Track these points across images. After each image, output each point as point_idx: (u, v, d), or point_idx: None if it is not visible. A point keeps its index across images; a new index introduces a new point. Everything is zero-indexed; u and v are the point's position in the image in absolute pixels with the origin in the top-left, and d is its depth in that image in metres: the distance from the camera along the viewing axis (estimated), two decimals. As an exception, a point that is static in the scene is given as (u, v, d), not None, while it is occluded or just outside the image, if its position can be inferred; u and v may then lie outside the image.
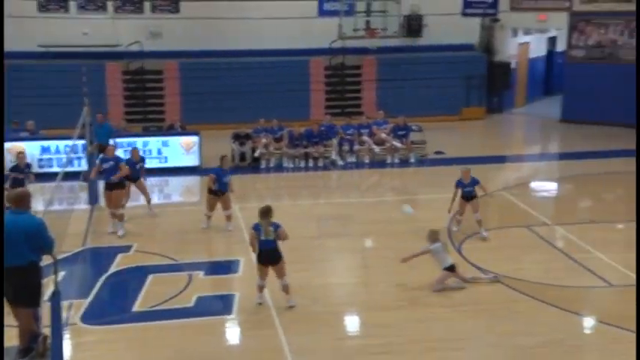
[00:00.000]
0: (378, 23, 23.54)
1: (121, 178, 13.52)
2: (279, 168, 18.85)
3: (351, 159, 19.32)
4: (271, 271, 10.22)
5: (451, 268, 10.92)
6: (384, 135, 19.42)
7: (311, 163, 18.92)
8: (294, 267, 11.61)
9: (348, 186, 18.03)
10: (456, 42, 24.84)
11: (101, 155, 14.26)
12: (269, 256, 10.11)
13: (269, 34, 23.73)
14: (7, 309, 7.07)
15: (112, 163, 13.60)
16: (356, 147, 19.44)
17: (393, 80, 24.05)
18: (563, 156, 20.46)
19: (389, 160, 19.22)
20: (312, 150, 19.02)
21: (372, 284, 11.32)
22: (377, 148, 19.31)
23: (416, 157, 19.37)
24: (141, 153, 15.55)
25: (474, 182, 13.12)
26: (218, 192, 13.48)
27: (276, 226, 10.02)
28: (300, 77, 23.91)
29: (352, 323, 10.25)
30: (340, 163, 19.17)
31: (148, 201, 14.68)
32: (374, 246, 13.27)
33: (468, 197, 13.11)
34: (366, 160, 19.32)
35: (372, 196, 16.92)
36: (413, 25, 24.51)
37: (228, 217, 13.60)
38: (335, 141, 19.35)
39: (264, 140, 18.90)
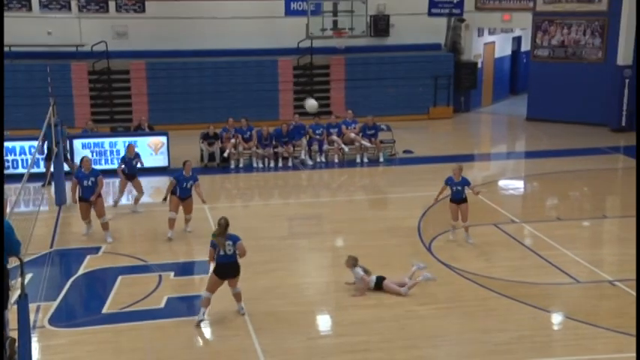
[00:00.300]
0: (345, 23, 23.60)
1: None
2: (248, 168, 18.77)
3: (321, 159, 19.33)
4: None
5: (379, 285, 10.77)
6: (353, 134, 19.46)
7: (280, 163, 18.89)
8: (265, 267, 11.63)
9: (318, 185, 18.04)
10: (423, 42, 25.04)
11: (77, 170, 13.64)
12: (229, 269, 9.78)
13: (236, 34, 23.65)
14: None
15: (92, 179, 12.94)
16: (325, 147, 19.45)
17: (361, 80, 24.12)
18: (530, 154, 20.74)
19: (358, 160, 19.26)
20: (282, 150, 18.98)
21: (343, 283, 11.33)
22: (346, 148, 19.34)
23: (385, 157, 19.45)
24: (137, 149, 15.34)
25: (464, 182, 12.61)
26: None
27: (235, 240, 9.73)
28: (269, 77, 23.84)
29: (325, 322, 10.25)
30: (310, 162, 19.16)
31: (137, 199, 14.80)
32: (345, 245, 13.28)
33: (458, 200, 12.58)
34: (336, 160, 19.35)
35: (343, 195, 16.95)
36: (380, 24, 24.65)
37: (187, 220, 13.41)
38: (304, 141, 19.34)
39: (233, 140, 18.81)
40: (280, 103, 23.92)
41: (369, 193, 17.45)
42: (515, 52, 28.80)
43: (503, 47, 27.82)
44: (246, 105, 22.26)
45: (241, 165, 18.88)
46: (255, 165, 18.89)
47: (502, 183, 17.62)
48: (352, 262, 10.84)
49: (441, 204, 13.81)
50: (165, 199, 13.31)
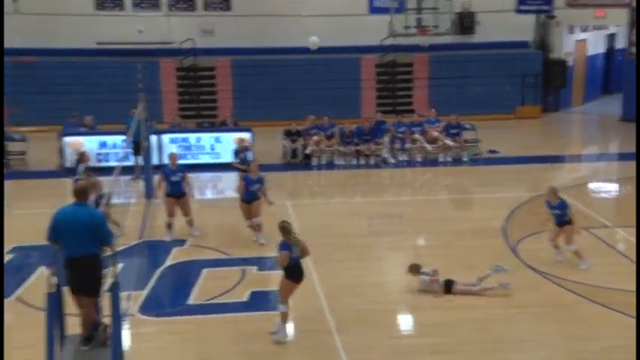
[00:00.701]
0: (429, 20, 23.34)
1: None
2: (330, 165, 18.82)
3: (403, 157, 19.18)
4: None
5: (448, 288, 10.56)
6: (436, 133, 19.21)
7: (362, 161, 18.85)
8: (346, 265, 11.62)
9: (400, 184, 17.90)
10: (510, 39, 24.44)
11: (165, 165, 13.63)
12: (301, 271, 9.24)
13: (320, 32, 23.66)
14: (69, 298, 7.22)
15: (180, 174, 12.93)
16: (408, 145, 19.29)
17: (445, 78, 23.79)
18: (624, 156, 19.90)
19: (441, 159, 19.01)
20: (364, 148, 18.93)
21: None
22: (429, 147, 19.12)
23: (469, 156, 19.11)
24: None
25: (562, 205, 11.53)
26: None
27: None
28: (351, 75, 23.84)
29: (406, 322, 10.15)
30: (392, 161, 19.04)
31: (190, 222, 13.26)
32: (427, 244, 13.13)
33: (560, 223, 11.54)
34: (418, 159, 19.15)
35: (425, 195, 16.75)
36: (465, 22, 24.22)
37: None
38: (386, 139, 19.23)
39: (315, 137, 18.90)
40: (362, 101, 23.89)
41: (452, 193, 17.18)
42: (610, 50, 27.73)
43: (595, 45, 26.85)
44: (328, 102, 22.30)
45: (323, 162, 18.95)
46: (336, 162, 18.92)
47: (593, 186, 17.01)
48: (415, 269, 10.65)
49: (529, 205, 13.42)
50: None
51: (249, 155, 14.84)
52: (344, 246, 12.24)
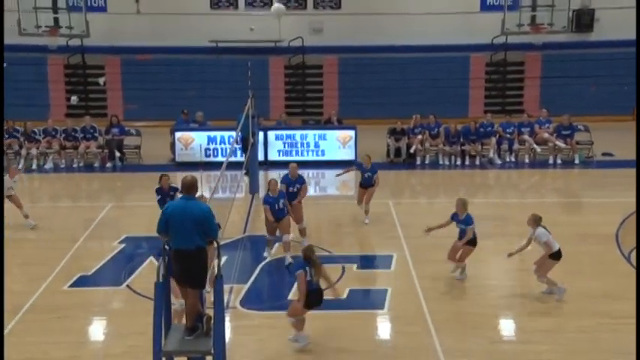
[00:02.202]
0: (544, 18, 22.60)
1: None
2: (434, 165, 18.59)
3: (510, 158, 18.68)
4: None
5: (558, 256, 10.14)
6: (546, 134, 18.59)
7: (467, 162, 18.49)
8: (448, 266, 11.42)
9: (506, 186, 17.45)
10: (630, 37, 23.23)
11: (284, 175, 12.89)
12: (317, 299, 8.93)
13: (430, 30, 23.45)
14: (174, 286, 7.49)
15: (297, 186, 12.44)
16: (515, 146, 18.76)
17: (558, 77, 22.98)
18: None
19: (551, 161, 18.38)
20: (469, 148, 18.57)
21: (530, 288, 10.84)
22: (538, 148, 18.52)
23: (581, 158, 18.37)
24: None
25: None
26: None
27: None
28: (460, 73, 23.47)
29: (508, 327, 9.87)
30: (498, 162, 18.59)
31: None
32: (533, 249, 12.68)
33: None
34: (526, 160, 18.61)
35: (532, 197, 16.24)
36: (583, 19, 23.26)
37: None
38: (494, 139, 18.78)
39: (419, 136, 18.72)
40: (470, 100, 23.45)
41: (562, 196, 16.57)
42: None
43: None
44: (434, 101, 22.05)
45: (427, 162, 18.74)
46: (441, 162, 18.67)
47: None
48: (535, 221, 10.27)
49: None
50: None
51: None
52: (446, 247, 12.03)
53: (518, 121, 19.25)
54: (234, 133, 16.97)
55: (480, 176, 17.96)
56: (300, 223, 12.48)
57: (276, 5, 12.09)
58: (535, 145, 18.54)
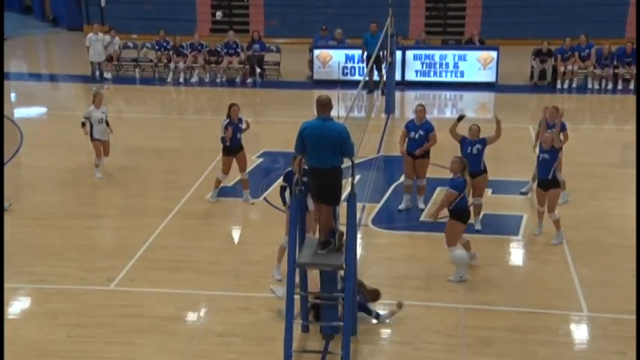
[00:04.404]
0: None
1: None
2: (581, 89, 17.57)
3: (669, 83, 17.29)
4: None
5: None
6: None
7: (620, 86, 17.30)
8: (591, 195, 10.96)
9: (662, 112, 16.20)
10: None
11: (410, 121, 10.87)
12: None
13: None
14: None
15: (421, 133, 10.53)
16: (676, 70, 17.32)
17: None
18: None
19: None
20: (623, 71, 17.32)
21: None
22: None
23: None
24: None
25: None
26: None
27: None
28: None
29: (652, 261, 9.36)
30: (655, 86, 17.27)
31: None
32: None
33: None
34: (687, 85, 17.14)
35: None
36: None
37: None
38: (651, 62, 17.42)
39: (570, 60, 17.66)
40: (628, 19, 21.69)
41: None
42: None
43: None
44: (587, 20, 20.61)
45: (574, 85, 17.73)
46: (590, 86, 17.60)
47: None
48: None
49: None
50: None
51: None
52: (591, 175, 11.51)
53: (680, 43, 17.68)
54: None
55: (632, 102, 16.78)
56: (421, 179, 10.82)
57: None
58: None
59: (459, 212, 8.60)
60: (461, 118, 10.04)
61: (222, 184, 11.12)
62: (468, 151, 9.79)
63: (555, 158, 9.53)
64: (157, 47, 19.69)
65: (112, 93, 18.09)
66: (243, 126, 10.89)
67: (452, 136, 10.02)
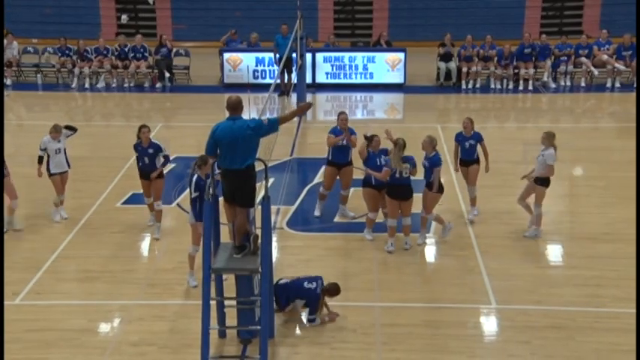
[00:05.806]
0: None
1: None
2: (485, 89, 18.20)
3: (566, 82, 18.14)
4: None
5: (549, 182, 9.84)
6: (605, 56, 17.91)
7: (521, 86, 18.03)
8: (497, 191, 11.33)
9: (559, 110, 17.00)
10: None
11: (334, 127, 10.63)
12: (402, 191, 9.42)
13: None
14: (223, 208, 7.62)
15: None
16: (571, 68, 18.17)
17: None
18: None
19: (609, 84, 17.80)
20: (524, 71, 18.01)
21: (580, 214, 10.72)
22: (596, 71, 17.90)
23: (641, 82, 17.71)
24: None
25: None
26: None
27: (414, 164, 9.38)
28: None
29: (556, 253, 9.79)
30: (553, 86, 18.08)
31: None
32: (584, 174, 12.48)
33: None
34: (582, 84, 18.04)
35: (587, 122, 15.85)
36: None
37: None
38: (548, 62, 18.21)
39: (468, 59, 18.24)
40: (525, 21, 22.61)
41: (618, 121, 16.10)
42: None
43: None
44: (487, 22, 21.35)
45: (478, 85, 18.34)
46: (492, 86, 18.25)
47: None
48: (549, 139, 9.86)
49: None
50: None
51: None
52: (495, 172, 11.87)
53: (577, 43, 18.55)
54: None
55: (533, 100, 17.55)
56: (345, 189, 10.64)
57: None
58: (592, 68, 17.92)
59: (440, 186, 9.55)
60: (369, 138, 9.87)
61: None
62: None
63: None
64: (59, 52, 19.08)
65: (12, 100, 17.40)
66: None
67: (360, 157, 9.88)
